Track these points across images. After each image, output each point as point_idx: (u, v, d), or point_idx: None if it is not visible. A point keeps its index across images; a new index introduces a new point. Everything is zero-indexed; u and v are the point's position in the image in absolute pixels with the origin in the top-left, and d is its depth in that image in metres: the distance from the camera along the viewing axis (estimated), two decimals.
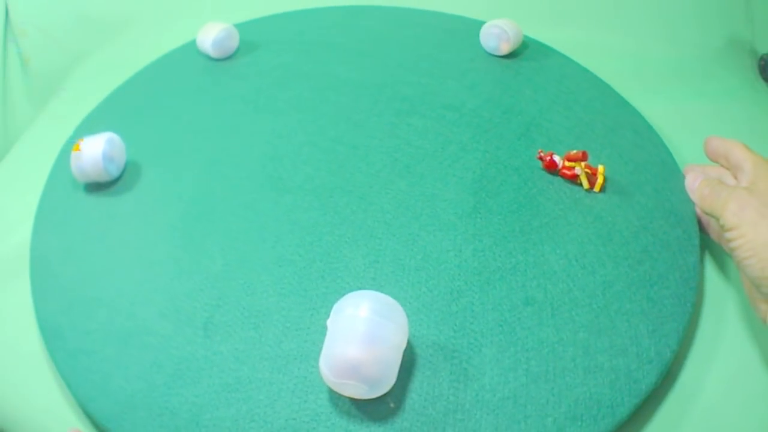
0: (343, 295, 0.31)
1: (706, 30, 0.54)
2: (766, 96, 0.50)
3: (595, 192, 0.40)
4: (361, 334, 0.28)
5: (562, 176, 0.41)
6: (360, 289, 0.31)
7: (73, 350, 0.33)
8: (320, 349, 0.31)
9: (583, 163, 0.40)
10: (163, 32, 0.55)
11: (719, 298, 0.36)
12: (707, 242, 0.38)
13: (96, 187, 0.41)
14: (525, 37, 0.52)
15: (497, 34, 0.50)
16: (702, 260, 0.37)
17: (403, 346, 0.30)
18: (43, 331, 0.34)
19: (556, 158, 0.41)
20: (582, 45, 0.53)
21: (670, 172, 0.41)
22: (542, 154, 0.41)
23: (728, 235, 0.32)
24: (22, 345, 0.35)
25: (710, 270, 0.37)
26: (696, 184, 0.37)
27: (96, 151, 0.39)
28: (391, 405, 0.30)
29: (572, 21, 0.57)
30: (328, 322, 0.30)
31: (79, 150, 0.39)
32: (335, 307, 0.30)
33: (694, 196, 0.38)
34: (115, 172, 0.41)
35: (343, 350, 0.28)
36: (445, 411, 0.29)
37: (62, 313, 0.34)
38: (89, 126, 0.45)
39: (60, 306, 0.35)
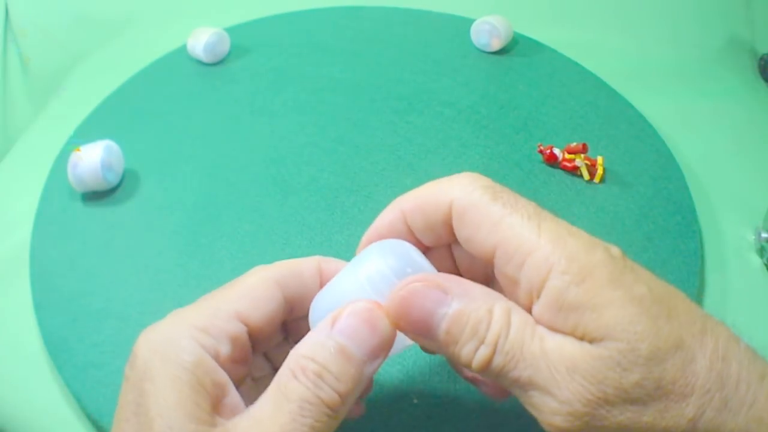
0: None
1: (706, 30, 0.55)
2: (766, 96, 0.51)
3: (595, 183, 0.40)
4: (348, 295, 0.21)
5: (562, 168, 0.41)
6: None
7: (82, 364, 0.32)
8: None
9: (582, 155, 0.41)
10: (164, 32, 0.55)
11: (720, 282, 0.37)
12: (705, 228, 0.40)
13: (94, 196, 0.40)
14: (515, 33, 0.53)
15: (488, 31, 0.51)
16: (702, 245, 0.38)
17: None
18: (48, 346, 0.33)
19: (556, 151, 0.41)
20: (581, 45, 0.53)
21: (665, 160, 0.42)
22: (542, 148, 0.42)
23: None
24: (23, 345, 0.34)
25: (709, 255, 0.38)
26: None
27: (94, 159, 0.38)
28: (415, 401, 0.30)
29: (570, 21, 0.58)
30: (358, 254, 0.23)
31: (76, 158, 0.38)
32: (373, 247, 0.22)
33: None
34: (113, 180, 0.40)
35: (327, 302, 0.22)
36: (468, 405, 0.30)
37: (67, 326, 0.33)
38: (82, 135, 0.44)
39: (65, 319, 0.34)
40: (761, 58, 0.54)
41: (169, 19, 0.57)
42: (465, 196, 0.20)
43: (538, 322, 0.19)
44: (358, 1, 0.58)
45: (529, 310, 0.19)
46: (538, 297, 0.19)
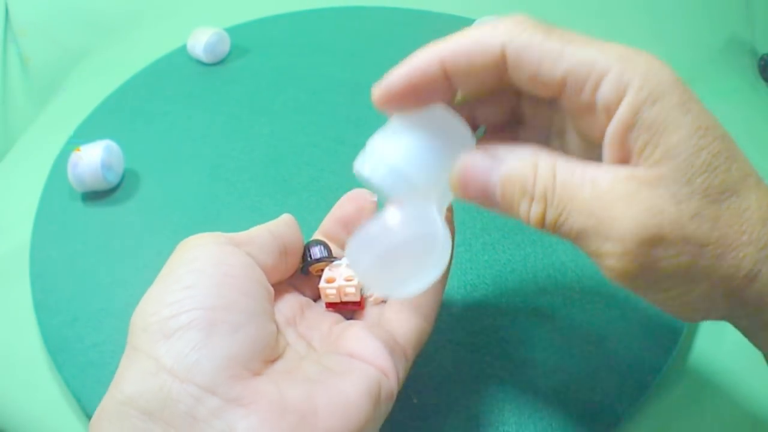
0: None
1: (706, 30, 0.55)
2: (766, 96, 0.51)
3: None
4: None
5: None
6: None
7: (82, 364, 0.32)
8: None
9: None
10: (164, 32, 0.55)
11: None
12: None
13: (94, 195, 0.40)
14: None
15: None
16: None
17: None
18: (48, 346, 0.33)
19: None
20: None
21: None
22: None
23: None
24: (23, 345, 0.34)
25: None
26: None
27: (94, 159, 0.38)
28: (415, 401, 0.30)
29: (570, 21, 0.57)
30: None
31: (76, 158, 0.38)
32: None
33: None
34: (113, 180, 0.40)
35: None
36: (469, 404, 0.30)
37: (67, 326, 0.33)
38: (82, 135, 0.44)
39: (65, 319, 0.34)
40: (761, 58, 0.54)
41: (169, 19, 0.57)
42: (516, 38, 0.19)
43: (610, 144, 0.19)
44: (358, 1, 0.58)
45: (602, 136, 0.19)
46: (613, 116, 0.18)
